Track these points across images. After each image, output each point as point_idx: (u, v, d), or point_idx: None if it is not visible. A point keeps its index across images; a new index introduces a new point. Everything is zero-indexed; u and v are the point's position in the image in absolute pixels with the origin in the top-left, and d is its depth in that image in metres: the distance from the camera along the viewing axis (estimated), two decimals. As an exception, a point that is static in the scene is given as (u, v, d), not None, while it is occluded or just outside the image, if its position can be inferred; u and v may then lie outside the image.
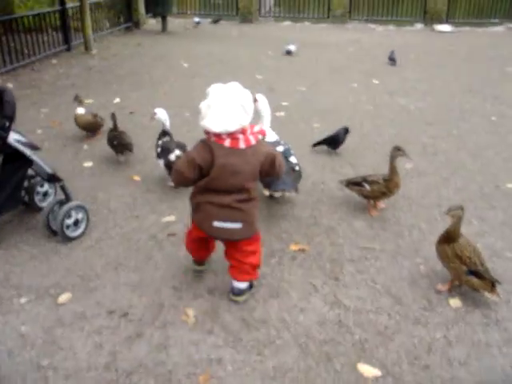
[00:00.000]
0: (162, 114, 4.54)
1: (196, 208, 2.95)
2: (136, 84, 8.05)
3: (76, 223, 3.83)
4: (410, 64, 9.65)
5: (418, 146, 5.55)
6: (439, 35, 13.56)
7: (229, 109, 2.70)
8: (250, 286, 3.16)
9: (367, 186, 4.05)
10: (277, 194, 4.31)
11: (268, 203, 4.29)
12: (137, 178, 4.79)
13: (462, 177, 4.87)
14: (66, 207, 3.74)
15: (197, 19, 15.10)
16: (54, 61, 9.74)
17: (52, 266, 3.50)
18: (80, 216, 3.85)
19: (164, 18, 13.41)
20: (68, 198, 3.82)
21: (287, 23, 15.62)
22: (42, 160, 3.78)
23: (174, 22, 14.74)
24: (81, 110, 5.59)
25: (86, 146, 5.53)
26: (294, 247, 3.68)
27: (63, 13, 10.43)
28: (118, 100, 7.11)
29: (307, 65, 9.40)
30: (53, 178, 3.78)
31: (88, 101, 7.12)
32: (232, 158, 2.76)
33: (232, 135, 2.76)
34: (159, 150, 4.48)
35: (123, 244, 3.76)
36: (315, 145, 5.36)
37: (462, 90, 7.94)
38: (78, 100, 5.65)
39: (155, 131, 4.76)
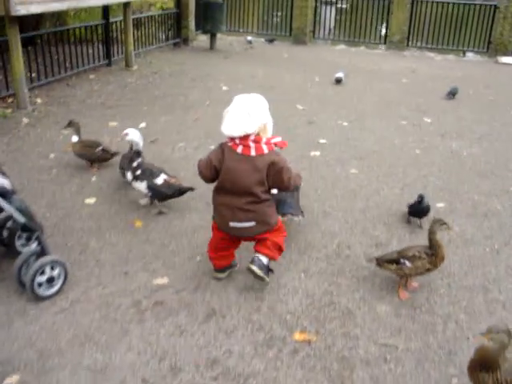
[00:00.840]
0: (134, 135, 4.29)
1: (214, 210, 3.32)
2: (167, 107, 7.57)
3: (50, 281, 3.29)
4: (468, 101, 8.83)
5: (466, 205, 4.82)
6: (502, 68, 12.62)
7: (236, 115, 3.03)
8: (268, 270, 3.34)
9: (407, 263, 3.38)
10: (284, 218, 3.82)
11: (277, 271, 3.65)
12: (138, 223, 4.25)
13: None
14: (38, 263, 3.22)
15: (249, 38, 14.62)
16: (92, 76, 9.39)
17: (12, 333, 2.99)
18: (56, 273, 3.32)
19: (213, 36, 12.98)
20: (44, 252, 3.30)
21: (341, 47, 14.95)
22: (19, 203, 3.28)
23: (225, 40, 14.33)
24: (74, 139, 5.07)
25: (94, 178, 5.04)
26: (298, 336, 3.05)
27: (106, 27, 10.09)
28: (143, 124, 6.62)
29: (354, 95, 8.72)
30: (25, 228, 3.25)
31: (113, 123, 6.68)
32: (241, 164, 3.08)
33: (245, 142, 3.06)
34: (139, 172, 4.22)
35: (100, 310, 3.21)
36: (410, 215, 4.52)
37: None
38: (73, 126, 5.12)
39: (175, 165, 4.26)
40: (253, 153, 3.08)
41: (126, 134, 4.32)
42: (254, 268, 3.25)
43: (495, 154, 6.23)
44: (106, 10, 10.04)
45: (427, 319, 3.29)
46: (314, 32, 15.48)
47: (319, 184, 5.06)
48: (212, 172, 3.20)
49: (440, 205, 4.74)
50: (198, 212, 4.45)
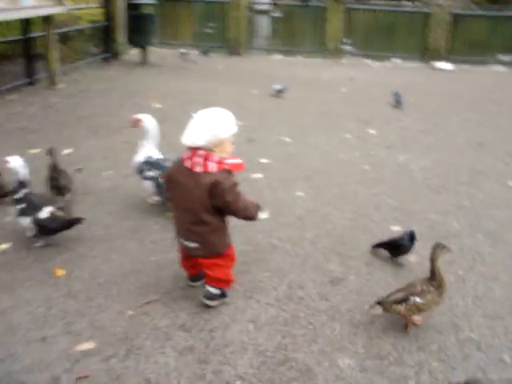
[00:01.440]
0: (16, 163, 3.78)
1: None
2: (95, 129, 6.95)
3: None
4: (411, 109, 8.60)
5: (423, 226, 4.47)
6: (439, 74, 12.60)
7: (191, 126, 2.98)
8: (223, 295, 3.23)
9: (419, 300, 3.04)
10: None
11: (222, 322, 3.15)
12: (60, 272, 3.66)
13: (482, 276, 3.77)
14: None
15: (183, 50, 14.07)
16: (12, 96, 8.62)
17: None
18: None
19: (144, 49, 12.37)
20: None
21: (278, 57, 14.62)
22: None
23: (158, 53, 13.71)
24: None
25: (8, 218, 4.38)
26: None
27: (27, 42, 9.34)
28: (69, 150, 5.98)
29: (295, 108, 8.33)
30: None
31: (34, 150, 6.01)
32: (186, 179, 2.98)
33: (193, 156, 2.95)
34: (23, 205, 3.80)
35: (8, 396, 2.61)
36: (376, 246, 4.06)
37: (470, 145, 6.88)
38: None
39: (101, 197, 3.71)
40: (198, 169, 2.95)
41: (8, 162, 3.82)
42: (207, 301, 3.20)
43: (445, 166, 5.95)
44: (26, 23, 9.29)
45: (397, 371, 2.87)
46: (249, 42, 15.08)
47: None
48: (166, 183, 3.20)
49: (395, 228, 4.36)
50: (126, 252, 3.90)
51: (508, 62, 14.52)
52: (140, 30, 11.83)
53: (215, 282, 3.19)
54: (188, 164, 2.98)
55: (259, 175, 5.40)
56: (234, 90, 9.56)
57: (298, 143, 6.51)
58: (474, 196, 5.20)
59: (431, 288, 3.04)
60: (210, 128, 2.94)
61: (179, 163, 3.07)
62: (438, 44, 14.22)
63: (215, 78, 10.64)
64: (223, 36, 14.91)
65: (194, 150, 2.96)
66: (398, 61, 14.36)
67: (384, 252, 3.96)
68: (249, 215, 3.17)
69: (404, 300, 3.04)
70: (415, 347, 3.06)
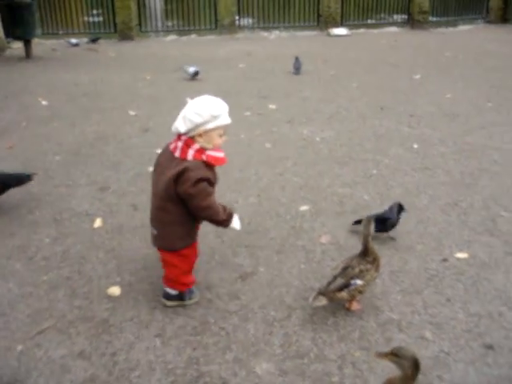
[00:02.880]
0: None
1: None
2: (-27, 136, 6.29)
3: None
4: (310, 79, 8.45)
5: (332, 202, 4.28)
6: (336, 40, 12.57)
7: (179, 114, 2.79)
8: (181, 297, 3.06)
9: (359, 282, 2.89)
10: None
11: (126, 343, 2.81)
12: None
13: (396, 248, 3.64)
14: None
15: (74, 40, 13.26)
16: None
17: None
18: None
19: (27, 42, 11.51)
20: None
21: (172, 37, 14.11)
22: None
23: (44, 45, 12.86)
24: None
25: None
26: None
27: None
28: None
29: (189, 89, 7.93)
30: None
31: None
32: (164, 161, 2.87)
33: (176, 141, 2.82)
34: None
35: None
36: (357, 222, 3.79)
37: (372, 110, 6.79)
38: None
39: None
40: (177, 153, 2.79)
41: None
42: (165, 301, 3.08)
43: (348, 135, 5.82)
44: None
45: (319, 369, 2.65)
46: (140, 25, 14.46)
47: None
48: None
49: (304, 208, 4.14)
50: (13, 274, 3.46)
51: (401, 22, 14.74)
52: (18, 21, 10.94)
53: (167, 280, 3.04)
54: (171, 147, 2.84)
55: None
56: (127, 77, 9.07)
57: (196, 128, 6.15)
58: (380, 163, 5.08)
59: (368, 265, 2.91)
60: (193, 116, 2.73)
61: (166, 147, 2.93)
62: (332, 10, 14.18)
63: (107, 67, 10.09)
64: (112, 21, 14.19)
65: (179, 135, 2.80)
66: (295, 30, 14.22)
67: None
68: (213, 217, 2.86)
69: (345, 286, 2.87)
70: (336, 338, 2.85)
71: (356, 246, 3.62)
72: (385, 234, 3.73)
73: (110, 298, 3.19)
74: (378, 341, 2.83)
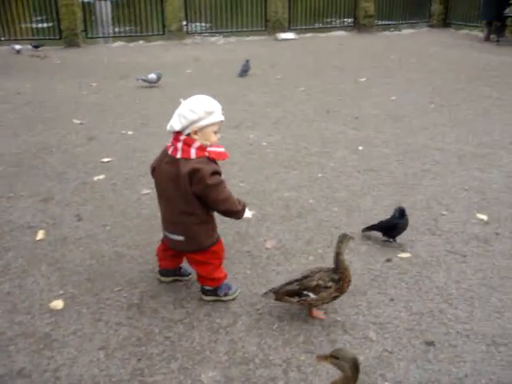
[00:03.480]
0: None
1: None
2: None
3: None
4: (256, 83, 8.47)
5: (278, 207, 4.30)
6: (283, 44, 12.68)
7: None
8: (215, 292, 3.09)
9: (311, 295, 2.86)
10: None
11: (67, 359, 2.74)
12: None
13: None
14: None
15: (18, 47, 12.91)
16: None
17: None
18: None
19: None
20: None
21: (119, 44, 13.93)
22: None
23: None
24: None
25: None
26: None
27: None
28: None
29: (136, 97, 7.87)
30: None
31: None
32: (168, 167, 2.83)
33: (174, 142, 2.82)
34: None
35: None
36: (367, 229, 3.87)
37: (318, 113, 6.87)
38: None
39: None
40: (178, 155, 2.79)
41: None
42: (204, 296, 3.13)
43: (295, 139, 5.87)
44: None
45: (264, 374, 2.65)
46: (86, 32, 14.23)
47: (107, 217, 4.19)
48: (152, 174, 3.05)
49: (251, 213, 4.13)
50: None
51: (348, 27, 14.96)
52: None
53: (201, 279, 3.09)
54: (170, 150, 2.84)
55: (101, 177, 4.95)
56: (72, 85, 8.91)
57: (142, 135, 6.11)
58: (325, 166, 5.14)
59: (330, 283, 2.85)
60: (188, 113, 2.76)
61: (163, 152, 2.93)
62: (279, 15, 14.29)
63: (52, 74, 9.90)
64: (58, 27, 13.93)
65: (175, 135, 2.82)
66: (243, 35, 14.26)
67: (377, 234, 3.84)
68: (232, 208, 2.89)
69: (297, 294, 2.87)
70: (281, 342, 2.86)
71: (300, 251, 3.67)
72: (393, 241, 3.75)
73: (53, 311, 3.12)
74: (323, 343, 2.85)
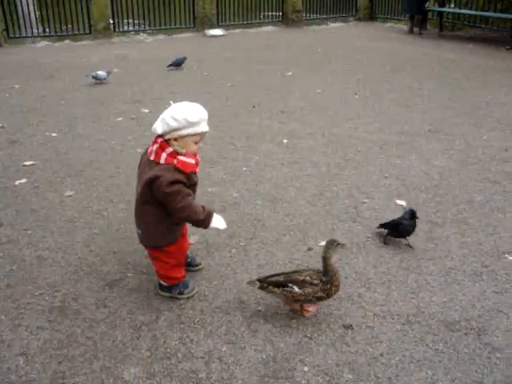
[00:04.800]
0: None
1: None
2: None
3: None
4: (183, 80, 8.46)
5: (202, 201, 4.27)
6: (212, 40, 12.67)
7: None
8: (169, 290, 3.13)
9: (296, 289, 2.86)
10: None
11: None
12: None
13: (264, 242, 3.74)
14: None
15: None
16: None
17: None
18: None
19: None
20: None
21: (44, 43, 13.56)
22: None
23: None
24: None
25: None
26: None
27: None
28: None
29: (58, 98, 7.70)
30: None
31: None
32: (142, 165, 2.93)
33: (152, 145, 2.85)
34: None
35: None
36: (381, 226, 3.88)
37: (244, 108, 6.92)
38: None
39: None
40: (152, 157, 2.83)
41: None
42: (159, 291, 3.18)
43: (220, 134, 5.91)
44: None
45: (186, 368, 2.68)
46: (8, 31, 13.77)
47: (29, 221, 4.11)
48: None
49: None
50: None
51: (276, 21, 15.10)
52: None
53: (157, 274, 3.14)
54: (148, 151, 2.88)
55: (23, 180, 4.84)
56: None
57: (66, 137, 6.00)
58: (250, 160, 5.21)
59: (316, 281, 2.85)
60: (169, 120, 2.74)
61: (146, 149, 2.96)
62: (207, 12, 14.27)
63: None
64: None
65: (156, 137, 2.85)
66: (172, 33, 14.16)
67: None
68: (192, 217, 2.86)
69: (282, 285, 2.89)
70: (203, 335, 2.90)
71: (225, 244, 3.70)
72: (403, 241, 3.79)
73: (-30, 321, 3.04)
74: (244, 333, 2.91)
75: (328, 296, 2.90)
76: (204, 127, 2.82)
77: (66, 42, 13.69)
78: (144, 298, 3.19)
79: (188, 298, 3.18)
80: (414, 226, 3.69)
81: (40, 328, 2.98)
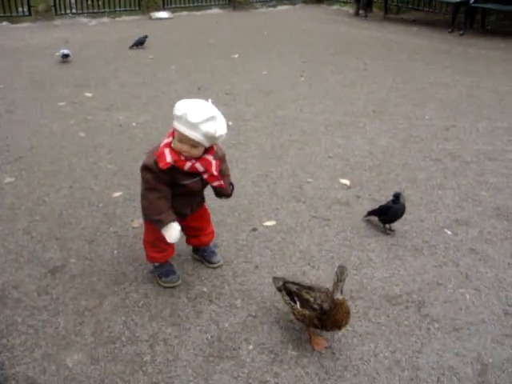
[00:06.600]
0: None
1: None
2: None
3: None
4: (127, 64, 8.32)
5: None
6: (157, 23, 12.47)
7: None
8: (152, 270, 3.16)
9: (297, 305, 2.66)
10: None
11: None
12: None
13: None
14: None
15: None
16: None
17: None
18: None
19: None
20: None
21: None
22: None
23: None
24: None
25: None
26: None
27: None
28: None
29: (2, 80, 7.45)
30: None
31: None
32: None
33: None
34: None
35: None
36: (369, 213, 3.84)
37: (189, 91, 6.85)
38: None
39: None
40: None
41: None
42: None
43: (165, 119, 5.81)
44: None
45: (131, 351, 2.67)
46: None
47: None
48: None
49: (117, 194, 4.12)
50: None
51: (224, 4, 14.96)
52: None
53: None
54: None
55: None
56: None
57: (5, 122, 5.80)
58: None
59: (316, 306, 2.57)
60: (175, 108, 2.67)
61: None
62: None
63: None
64: None
65: None
66: (116, 16, 13.86)
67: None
68: (144, 211, 2.91)
69: (290, 294, 2.72)
70: (147, 318, 2.89)
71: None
72: (387, 226, 3.76)
73: None
74: (189, 315, 2.92)
75: (323, 328, 2.58)
76: (182, 128, 2.65)
77: (4, 23, 13.21)
78: (87, 283, 3.15)
79: (166, 288, 3.12)
80: (403, 210, 3.63)
81: (-22, 320, 2.89)
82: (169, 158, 2.71)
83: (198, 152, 2.74)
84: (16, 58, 8.70)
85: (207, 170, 2.80)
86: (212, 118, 2.65)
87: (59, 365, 2.60)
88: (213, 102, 2.77)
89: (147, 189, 2.79)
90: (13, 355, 2.65)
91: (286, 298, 2.74)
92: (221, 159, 2.93)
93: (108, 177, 4.45)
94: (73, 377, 2.53)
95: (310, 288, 2.69)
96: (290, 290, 2.72)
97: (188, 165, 2.76)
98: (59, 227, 3.73)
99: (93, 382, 2.49)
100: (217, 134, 2.68)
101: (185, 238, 3.24)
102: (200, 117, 2.61)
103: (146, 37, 9.43)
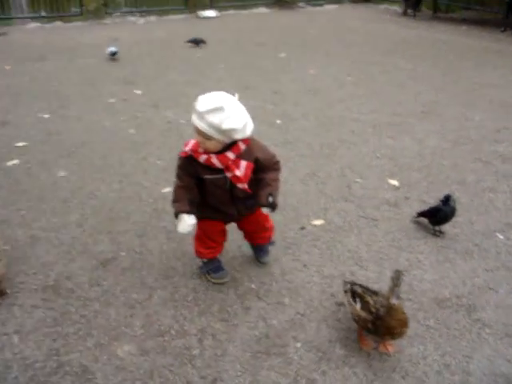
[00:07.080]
0: None
1: None
2: None
3: None
4: (176, 62, 8.41)
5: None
6: (204, 22, 12.58)
7: None
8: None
9: (358, 306, 2.61)
10: None
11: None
12: None
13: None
14: None
15: None
16: None
17: None
18: None
19: None
20: None
21: (35, 25, 13.41)
22: None
23: None
24: None
25: None
26: None
27: None
28: None
29: (53, 79, 7.64)
30: None
31: None
32: None
33: None
34: None
35: None
36: (420, 215, 3.81)
37: (237, 89, 6.84)
38: None
39: None
40: None
41: None
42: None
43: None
44: None
45: (179, 344, 2.71)
46: (3, 10, 13.60)
47: (22, 202, 4.10)
48: None
49: (166, 190, 4.17)
50: None
51: (270, 3, 14.99)
52: None
53: None
54: None
55: (15, 161, 4.81)
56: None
57: (58, 118, 5.96)
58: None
59: (373, 310, 2.51)
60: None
61: None
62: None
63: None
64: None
65: None
66: (163, 15, 14.03)
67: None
68: (172, 198, 2.89)
69: (353, 295, 2.68)
70: (196, 313, 2.93)
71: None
72: (436, 227, 3.70)
73: (-36, 300, 3.05)
74: (238, 311, 2.93)
75: (376, 333, 2.52)
76: (195, 120, 2.61)
77: (57, 23, 13.54)
78: (137, 276, 3.20)
79: (215, 284, 3.15)
80: (453, 212, 3.57)
81: (34, 306, 2.98)
82: (188, 148, 2.72)
83: (212, 146, 2.64)
84: (68, 56, 8.92)
85: (228, 168, 2.70)
86: (218, 109, 2.50)
87: (111, 354, 2.65)
88: (239, 99, 2.64)
89: (176, 176, 2.86)
90: (67, 342, 2.72)
91: (350, 298, 2.69)
92: (255, 162, 2.77)
93: (157, 172, 4.52)
94: (123, 367, 2.57)
95: (374, 293, 2.64)
96: (355, 292, 2.68)
97: (203, 157, 2.68)
98: (110, 221, 3.80)
99: (143, 373, 2.53)
100: (223, 127, 2.51)
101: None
102: (205, 106, 2.52)
103: (203, 41, 9.45)
